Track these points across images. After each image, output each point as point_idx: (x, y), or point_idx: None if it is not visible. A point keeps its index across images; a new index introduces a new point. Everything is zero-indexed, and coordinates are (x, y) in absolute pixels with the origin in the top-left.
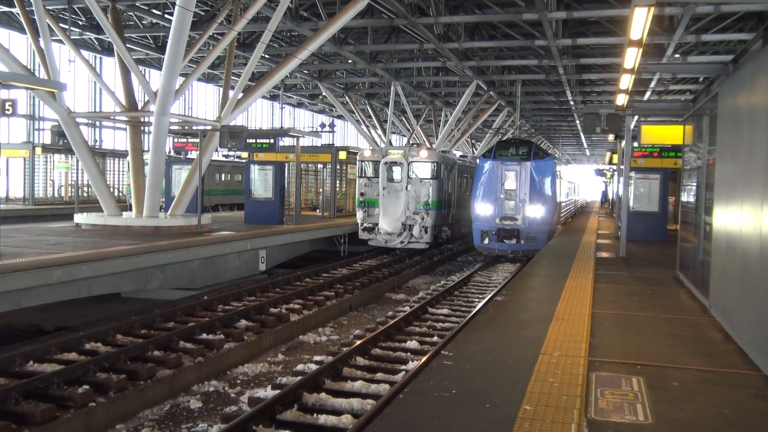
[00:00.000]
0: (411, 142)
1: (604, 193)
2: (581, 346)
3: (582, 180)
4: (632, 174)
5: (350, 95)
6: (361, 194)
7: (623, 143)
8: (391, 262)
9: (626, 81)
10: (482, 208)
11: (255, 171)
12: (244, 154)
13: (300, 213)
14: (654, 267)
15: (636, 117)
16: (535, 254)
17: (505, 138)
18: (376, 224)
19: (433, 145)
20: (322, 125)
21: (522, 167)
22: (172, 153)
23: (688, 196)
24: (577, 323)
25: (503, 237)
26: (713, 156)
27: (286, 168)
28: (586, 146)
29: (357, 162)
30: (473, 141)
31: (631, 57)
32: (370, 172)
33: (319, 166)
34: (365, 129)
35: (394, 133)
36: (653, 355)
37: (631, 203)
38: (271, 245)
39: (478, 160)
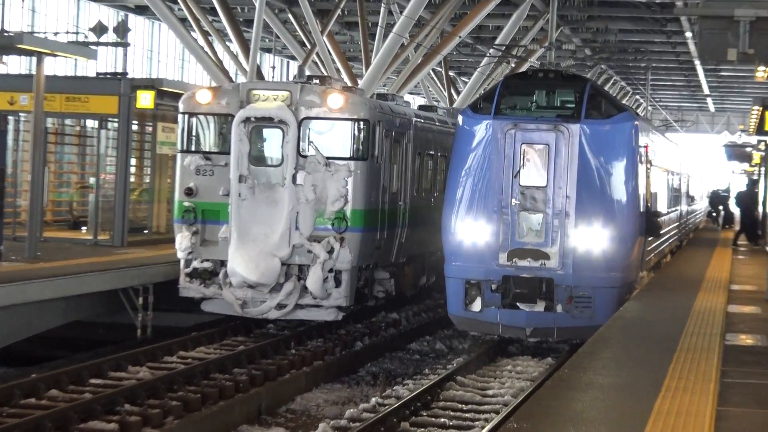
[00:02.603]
0: (306, 73)
1: (740, 197)
2: None
3: (699, 166)
4: None
5: None
6: (189, 191)
7: None
8: (253, 353)
9: None
10: (468, 230)
11: None
12: None
13: (41, 233)
14: None
15: None
16: (587, 337)
17: (523, 70)
18: (223, 263)
19: (360, 83)
20: (100, 28)
21: (561, 136)
22: None
23: None
24: None
25: (517, 297)
26: None
27: (11, 127)
28: (706, 92)
29: (179, 117)
30: (454, 75)
31: None
32: (208, 140)
33: (92, 124)
34: (201, 42)
35: (267, 51)
36: None
37: None
38: None
39: (460, 119)
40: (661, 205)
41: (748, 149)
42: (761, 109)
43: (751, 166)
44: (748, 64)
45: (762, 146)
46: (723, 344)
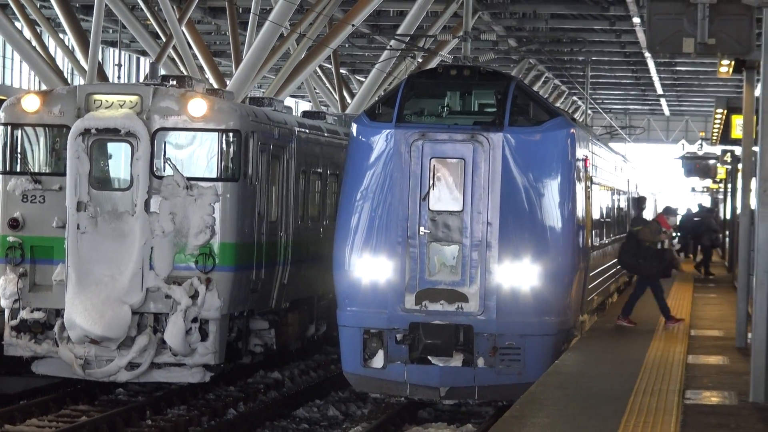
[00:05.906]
0: (161, 73)
1: (704, 222)
2: None
3: (651, 184)
4: None
5: None
6: (13, 223)
7: (758, 87)
8: (99, 426)
9: None
10: (366, 267)
11: None
12: None
13: None
14: None
15: None
16: (515, 397)
17: (432, 67)
18: (59, 313)
19: (228, 85)
20: None
21: (480, 148)
22: None
23: None
24: None
25: (428, 348)
26: None
27: None
28: (660, 91)
29: (1, 128)
30: (347, 73)
31: None
32: (38, 158)
33: None
34: (27, 33)
35: (111, 44)
36: None
37: None
38: None
39: (354, 128)
40: (605, 232)
41: (711, 162)
42: (725, 111)
43: (714, 182)
44: (709, 57)
45: (728, 158)
46: (682, 404)
